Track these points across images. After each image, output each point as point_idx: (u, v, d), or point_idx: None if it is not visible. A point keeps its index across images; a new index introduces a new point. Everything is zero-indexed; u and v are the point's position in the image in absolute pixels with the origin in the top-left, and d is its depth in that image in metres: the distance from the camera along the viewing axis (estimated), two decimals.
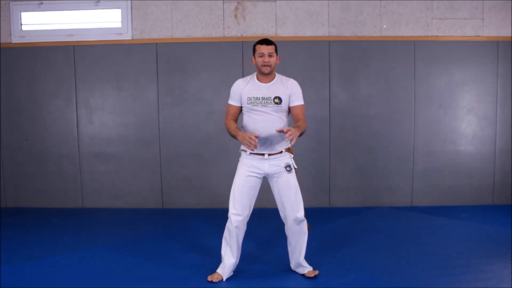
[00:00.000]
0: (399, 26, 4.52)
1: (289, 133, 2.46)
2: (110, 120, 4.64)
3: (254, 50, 2.73)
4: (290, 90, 2.70)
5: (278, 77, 2.76)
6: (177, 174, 4.58)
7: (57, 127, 4.66)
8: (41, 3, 4.58)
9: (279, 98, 2.66)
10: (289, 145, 2.74)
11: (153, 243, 3.50)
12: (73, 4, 4.58)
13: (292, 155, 2.78)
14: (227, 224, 2.73)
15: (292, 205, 2.71)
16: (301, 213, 2.71)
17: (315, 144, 4.58)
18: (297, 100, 2.72)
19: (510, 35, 4.51)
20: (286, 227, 2.79)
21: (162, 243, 3.49)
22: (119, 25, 4.57)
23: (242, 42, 4.50)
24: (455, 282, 2.69)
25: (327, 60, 4.52)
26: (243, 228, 2.74)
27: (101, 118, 4.64)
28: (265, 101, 2.66)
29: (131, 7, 4.53)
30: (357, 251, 3.27)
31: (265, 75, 2.70)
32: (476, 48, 4.52)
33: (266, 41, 2.68)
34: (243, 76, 4.45)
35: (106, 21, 4.60)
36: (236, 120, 2.79)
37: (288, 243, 2.83)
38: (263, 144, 2.66)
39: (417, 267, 2.94)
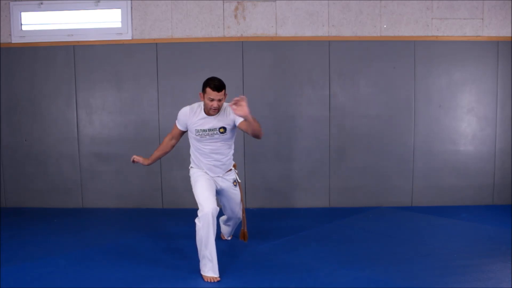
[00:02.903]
0: (399, 26, 4.52)
1: (240, 101, 2.58)
2: (110, 120, 4.64)
3: (204, 90, 2.85)
4: (232, 116, 2.92)
5: (223, 107, 2.96)
6: (177, 174, 4.57)
7: (57, 127, 4.66)
8: (41, 3, 4.58)
9: (224, 128, 2.95)
10: (233, 163, 3.19)
11: (153, 243, 3.50)
12: (73, 4, 4.58)
13: (236, 171, 3.22)
14: (199, 225, 2.73)
15: (234, 212, 3.23)
16: (240, 216, 3.26)
17: (315, 144, 4.58)
18: (240, 119, 2.87)
19: (510, 35, 4.51)
20: (226, 217, 3.35)
21: (162, 243, 3.49)
22: (119, 25, 4.58)
23: (242, 42, 4.50)
24: (455, 282, 2.69)
25: (327, 60, 4.52)
26: (215, 221, 2.77)
27: (101, 118, 4.64)
28: (211, 132, 2.95)
29: (131, 7, 4.53)
30: (357, 251, 3.27)
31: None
32: (476, 48, 4.52)
33: (217, 87, 2.80)
34: (242, 76, 4.50)
35: (106, 21, 4.60)
36: (177, 139, 3.14)
37: (226, 223, 3.41)
38: (215, 170, 3.04)
39: (417, 267, 2.94)
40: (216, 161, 3.03)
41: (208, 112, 2.91)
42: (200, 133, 2.95)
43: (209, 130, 2.93)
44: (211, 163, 3.03)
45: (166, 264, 3.04)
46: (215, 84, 2.80)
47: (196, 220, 2.77)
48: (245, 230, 3.29)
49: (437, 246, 3.37)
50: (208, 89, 2.82)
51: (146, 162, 3.16)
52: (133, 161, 3.15)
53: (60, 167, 4.69)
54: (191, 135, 3.04)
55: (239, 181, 3.20)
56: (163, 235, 3.71)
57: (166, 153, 3.21)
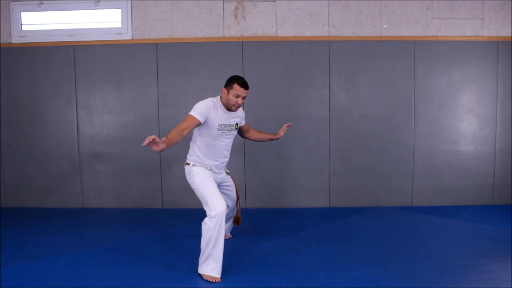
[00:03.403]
0: (399, 26, 4.52)
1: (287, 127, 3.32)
2: (110, 120, 4.64)
3: (230, 85, 2.93)
4: (241, 115, 3.18)
5: None
6: (177, 174, 4.58)
7: (57, 127, 4.66)
8: (41, 3, 4.58)
9: (237, 124, 3.13)
10: None
11: (153, 244, 3.50)
12: (73, 4, 4.58)
13: None
14: (210, 225, 2.71)
15: (234, 200, 3.36)
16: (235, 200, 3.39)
17: (315, 144, 4.58)
18: (244, 121, 3.28)
19: (510, 35, 4.52)
20: (228, 209, 3.35)
21: (162, 243, 3.49)
22: (119, 25, 4.58)
23: (242, 42, 4.50)
24: (455, 282, 2.69)
25: (327, 60, 4.52)
26: (224, 221, 2.81)
27: (101, 118, 4.64)
28: (230, 128, 3.06)
29: (131, 7, 4.54)
30: (357, 251, 3.27)
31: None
32: (476, 48, 4.52)
33: (245, 85, 2.93)
34: (242, 76, 4.48)
35: (106, 21, 4.60)
36: (189, 131, 2.83)
37: (226, 217, 3.36)
38: (221, 167, 3.14)
39: (417, 267, 2.94)
40: (225, 157, 3.12)
41: (230, 108, 2.97)
42: (222, 128, 2.99)
43: (229, 125, 3.03)
44: (221, 160, 3.09)
45: (166, 264, 3.04)
46: (243, 81, 2.93)
47: (207, 220, 2.74)
48: (239, 215, 3.41)
49: (437, 246, 3.37)
50: (236, 85, 2.90)
51: (165, 147, 2.66)
52: (152, 141, 2.59)
53: (60, 167, 4.69)
54: (206, 131, 2.94)
55: (228, 171, 3.31)
56: (163, 235, 3.71)
57: (177, 142, 2.79)
